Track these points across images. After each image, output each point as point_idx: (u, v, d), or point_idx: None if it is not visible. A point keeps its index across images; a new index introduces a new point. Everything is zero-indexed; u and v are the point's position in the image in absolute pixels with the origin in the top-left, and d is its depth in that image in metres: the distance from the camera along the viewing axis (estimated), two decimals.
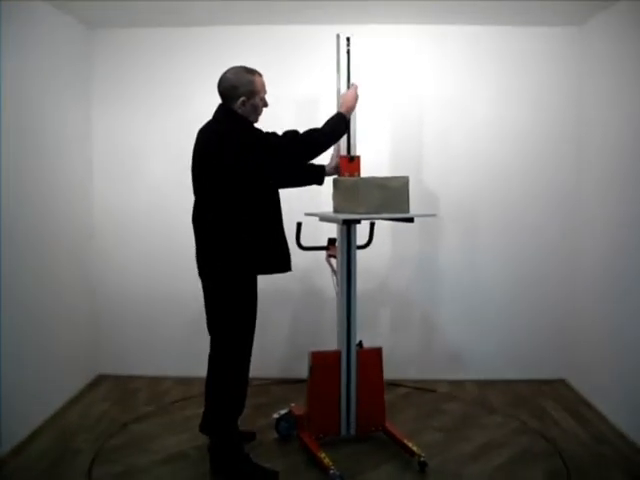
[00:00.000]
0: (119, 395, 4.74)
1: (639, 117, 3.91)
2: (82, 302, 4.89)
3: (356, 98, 3.57)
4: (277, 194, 3.47)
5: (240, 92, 3.31)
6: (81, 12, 4.52)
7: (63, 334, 4.53)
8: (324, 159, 3.64)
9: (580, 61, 4.78)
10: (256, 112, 3.40)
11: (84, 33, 4.86)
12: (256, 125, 3.41)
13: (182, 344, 5.02)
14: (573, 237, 4.90)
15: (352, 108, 3.57)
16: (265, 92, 3.41)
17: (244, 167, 3.22)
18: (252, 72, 3.36)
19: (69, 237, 4.65)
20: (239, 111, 3.34)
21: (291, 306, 5.07)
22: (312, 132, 3.37)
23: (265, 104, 3.43)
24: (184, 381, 4.92)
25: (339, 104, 3.58)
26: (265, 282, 3.69)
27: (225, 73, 3.38)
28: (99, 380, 5.05)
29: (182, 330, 5.01)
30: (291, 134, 3.37)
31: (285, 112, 4.67)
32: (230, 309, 3.38)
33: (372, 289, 4.89)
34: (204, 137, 3.37)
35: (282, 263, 3.45)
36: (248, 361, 3.55)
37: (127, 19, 4.73)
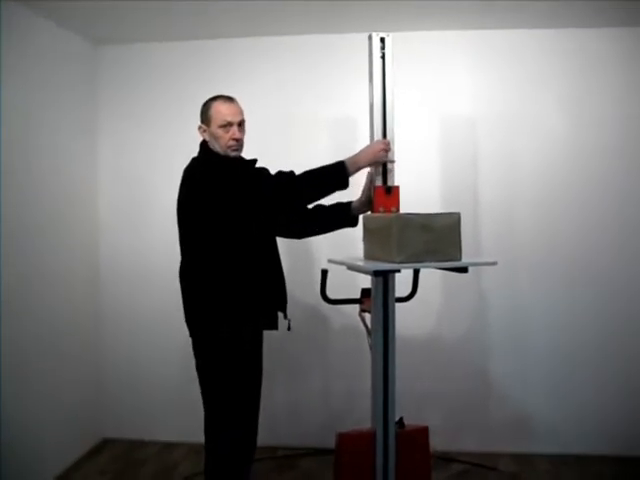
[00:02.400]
0: (122, 467, 4.06)
1: None
2: (87, 359, 4.36)
3: (378, 153, 2.88)
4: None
5: (200, 119, 3.03)
6: (85, 28, 4.10)
7: (66, 395, 4.04)
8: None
9: None
10: (218, 141, 2.95)
11: (89, 50, 4.38)
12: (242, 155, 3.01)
13: (197, 407, 4.32)
14: None
15: (366, 163, 2.88)
16: (225, 119, 2.93)
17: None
18: (215, 98, 3.02)
19: (72, 285, 4.18)
20: (205, 139, 3.02)
21: (325, 369, 4.35)
22: (294, 181, 2.81)
23: (232, 134, 2.94)
24: (197, 448, 4.17)
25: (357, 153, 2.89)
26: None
27: None
28: (103, 445, 4.40)
29: (197, 391, 4.32)
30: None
31: (319, 131, 4.13)
32: (217, 386, 2.99)
33: (418, 352, 4.13)
34: (182, 188, 3.03)
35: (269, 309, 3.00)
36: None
37: (134, 33, 4.22)
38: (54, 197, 3.95)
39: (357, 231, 3.08)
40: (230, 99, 2.99)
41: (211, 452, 3.00)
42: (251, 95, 3.64)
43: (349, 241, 3.45)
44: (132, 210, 4.48)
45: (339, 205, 3.13)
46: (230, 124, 2.92)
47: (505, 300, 4.22)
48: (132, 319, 4.47)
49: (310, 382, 4.36)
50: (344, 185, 2.81)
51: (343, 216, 3.11)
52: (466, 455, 4.16)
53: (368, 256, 2.90)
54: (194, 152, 3.11)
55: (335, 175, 2.80)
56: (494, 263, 2.82)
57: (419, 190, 3.89)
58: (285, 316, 3.11)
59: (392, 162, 2.96)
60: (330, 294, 3.29)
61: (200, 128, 3.01)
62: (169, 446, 4.37)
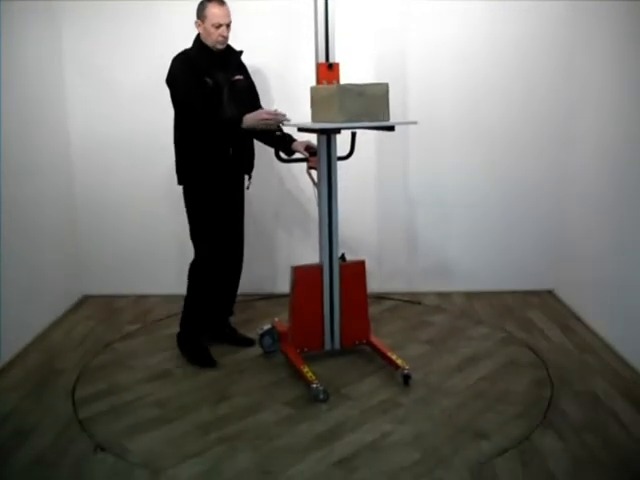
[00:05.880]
0: (104, 315, 4.71)
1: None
2: (64, 223, 4.82)
3: (260, 121, 3.49)
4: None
5: (197, 15, 3.66)
6: None
7: (46, 257, 4.49)
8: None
9: None
10: (210, 37, 3.63)
11: None
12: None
13: (167, 261, 4.96)
14: (564, 150, 4.74)
15: (250, 126, 3.52)
16: (217, 20, 3.58)
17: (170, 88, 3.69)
18: (211, 0, 3.63)
19: (45, 158, 4.53)
20: (200, 32, 3.69)
21: (275, 222, 4.99)
22: (215, 116, 3.59)
23: (221, 32, 3.61)
24: (169, 299, 4.85)
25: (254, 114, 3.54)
26: (248, 199, 3.83)
27: None
28: (84, 301, 5.01)
29: (166, 247, 4.95)
30: (196, 104, 3.58)
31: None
32: (189, 215, 3.84)
33: (355, 203, 4.72)
34: None
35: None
36: (214, 263, 3.85)
37: None
38: (23, 95, 4.18)
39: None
40: (222, 2, 3.62)
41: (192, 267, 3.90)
42: None
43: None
44: (97, 97, 4.84)
45: (288, 138, 3.81)
46: (220, 25, 3.58)
47: (428, 160, 4.86)
48: (105, 187, 4.96)
49: (262, 236, 4.97)
50: (236, 130, 3.56)
51: (285, 144, 3.80)
52: (396, 294, 4.96)
53: (315, 121, 3.50)
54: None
55: (232, 125, 3.55)
56: (415, 122, 3.51)
57: (357, 67, 4.37)
58: (249, 177, 3.89)
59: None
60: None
61: (196, 23, 3.65)
62: (142, 297, 5.03)
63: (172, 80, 3.65)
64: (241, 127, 3.52)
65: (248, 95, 3.83)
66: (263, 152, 4.01)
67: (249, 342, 4.08)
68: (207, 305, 3.94)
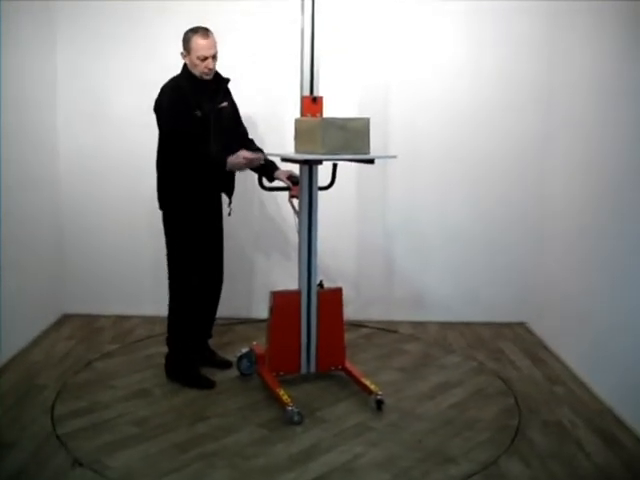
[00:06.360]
0: (84, 334, 4.77)
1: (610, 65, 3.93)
2: (48, 241, 4.89)
3: (238, 165, 3.64)
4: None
5: (183, 46, 3.70)
6: None
7: (28, 274, 4.54)
8: None
9: None
10: (196, 68, 3.68)
11: None
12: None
13: (148, 283, 5.04)
14: (540, 181, 4.91)
15: (231, 168, 3.68)
16: (202, 53, 3.63)
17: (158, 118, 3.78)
18: (195, 31, 3.66)
19: (33, 178, 4.61)
20: (186, 62, 3.74)
21: (255, 249, 5.11)
22: (200, 154, 3.67)
23: (206, 65, 3.66)
24: (150, 320, 4.94)
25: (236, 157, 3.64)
26: (229, 223, 3.94)
27: None
28: (64, 319, 5.07)
29: (148, 269, 5.02)
30: (189, 140, 3.66)
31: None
32: (167, 240, 3.91)
33: (335, 232, 4.84)
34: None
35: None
36: (193, 282, 3.92)
37: None
38: (15, 106, 4.28)
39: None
40: (207, 34, 3.65)
41: (171, 292, 3.95)
42: None
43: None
44: (89, 119, 4.97)
45: (270, 165, 3.87)
46: (206, 58, 3.64)
47: (409, 193, 5.01)
48: (90, 208, 5.06)
49: (241, 261, 5.05)
50: (222, 172, 3.69)
51: (268, 172, 3.87)
52: (373, 322, 5.07)
53: (298, 151, 3.63)
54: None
55: (217, 167, 3.67)
56: (394, 157, 3.66)
57: (341, 100, 4.51)
58: (230, 203, 3.98)
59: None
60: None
61: (182, 54, 3.70)
62: (122, 318, 5.09)
63: (161, 109, 3.72)
64: (224, 169, 3.65)
65: (233, 121, 3.95)
66: (244, 177, 4.12)
67: (227, 364, 4.14)
68: (191, 328, 3.98)
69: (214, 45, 3.68)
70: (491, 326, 5.05)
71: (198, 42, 3.63)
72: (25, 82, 4.46)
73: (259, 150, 3.86)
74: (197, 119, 3.67)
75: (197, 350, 4.10)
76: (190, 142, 3.65)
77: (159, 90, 3.76)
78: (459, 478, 2.97)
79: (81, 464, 3.03)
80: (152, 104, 3.76)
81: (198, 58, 3.64)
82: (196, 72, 3.70)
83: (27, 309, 4.54)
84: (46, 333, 4.76)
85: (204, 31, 3.66)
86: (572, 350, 4.29)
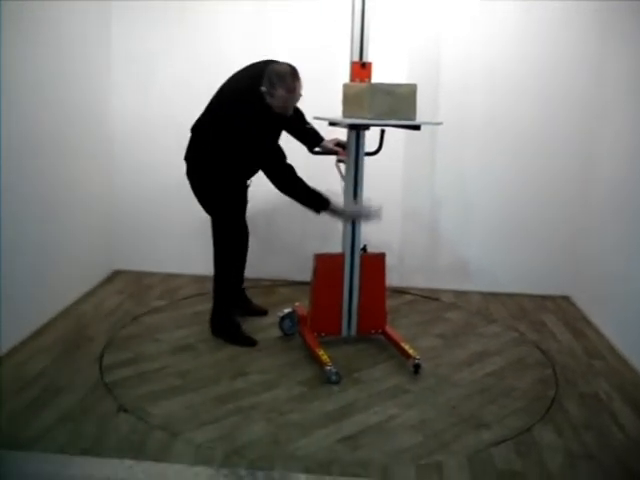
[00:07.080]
0: (133, 289, 4.93)
1: None
2: (99, 200, 5.02)
3: (357, 216, 3.77)
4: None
5: (265, 86, 3.53)
6: None
7: (81, 232, 4.70)
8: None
9: None
10: (276, 108, 3.60)
11: None
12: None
13: (197, 243, 5.13)
14: (587, 157, 4.84)
15: (346, 218, 3.79)
16: (284, 102, 3.57)
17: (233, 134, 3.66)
18: (284, 80, 3.50)
19: (86, 138, 4.73)
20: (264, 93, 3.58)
21: (302, 213, 5.14)
22: (297, 188, 3.70)
23: (286, 107, 3.63)
24: (197, 279, 5.07)
25: (345, 207, 3.77)
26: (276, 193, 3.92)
27: (275, 64, 3.59)
28: (115, 275, 5.23)
29: (197, 229, 5.11)
30: (285, 168, 3.68)
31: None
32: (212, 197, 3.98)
33: (381, 198, 4.83)
34: (232, 84, 3.77)
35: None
36: (237, 237, 4.08)
37: None
38: (70, 73, 4.39)
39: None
40: (293, 85, 3.53)
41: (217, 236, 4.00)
42: None
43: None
44: (140, 83, 5.07)
45: (316, 136, 3.97)
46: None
47: (455, 161, 4.99)
48: (139, 167, 5.16)
49: (290, 227, 5.16)
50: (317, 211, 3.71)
51: (315, 141, 3.98)
52: (415, 289, 5.11)
53: (346, 116, 3.67)
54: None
55: (317, 205, 3.70)
56: (440, 123, 3.66)
57: (389, 66, 4.52)
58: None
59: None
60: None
61: (262, 89, 3.54)
62: (171, 276, 5.23)
63: (244, 123, 3.60)
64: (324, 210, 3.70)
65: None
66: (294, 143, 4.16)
67: (263, 312, 4.34)
68: (236, 273, 4.14)
69: (299, 89, 3.60)
70: (534, 298, 5.04)
71: (282, 95, 3.54)
72: (81, 44, 4.56)
73: (314, 131, 3.94)
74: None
75: (235, 298, 4.21)
76: (279, 164, 3.70)
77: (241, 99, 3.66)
78: (491, 443, 3.01)
79: (126, 410, 3.17)
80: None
81: (279, 105, 3.59)
82: (274, 106, 3.62)
83: (80, 264, 4.69)
84: (97, 288, 4.93)
85: (292, 80, 3.53)
86: (614, 325, 4.26)
